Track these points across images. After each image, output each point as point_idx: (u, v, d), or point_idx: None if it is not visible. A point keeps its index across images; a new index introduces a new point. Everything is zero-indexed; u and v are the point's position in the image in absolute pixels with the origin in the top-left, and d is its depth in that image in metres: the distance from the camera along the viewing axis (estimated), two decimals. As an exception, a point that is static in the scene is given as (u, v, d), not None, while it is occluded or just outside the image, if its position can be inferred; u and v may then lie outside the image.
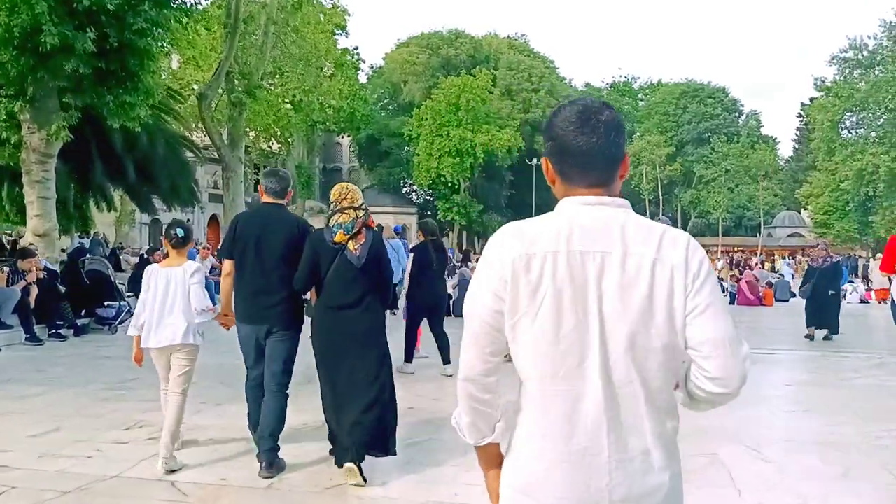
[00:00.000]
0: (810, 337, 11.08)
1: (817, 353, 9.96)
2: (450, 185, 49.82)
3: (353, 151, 61.55)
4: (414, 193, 61.96)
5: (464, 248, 51.89)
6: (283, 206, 4.65)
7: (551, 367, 1.43)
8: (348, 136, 55.46)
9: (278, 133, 47.77)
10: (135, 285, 10.65)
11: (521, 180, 54.34)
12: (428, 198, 57.53)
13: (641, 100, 69.28)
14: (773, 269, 33.75)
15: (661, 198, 57.85)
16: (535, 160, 50.87)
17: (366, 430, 4.16)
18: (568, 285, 1.42)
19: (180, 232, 4.56)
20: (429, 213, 55.68)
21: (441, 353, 7.66)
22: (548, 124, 1.55)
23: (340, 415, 4.23)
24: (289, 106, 47.60)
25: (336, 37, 49.81)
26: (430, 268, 7.60)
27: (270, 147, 50.13)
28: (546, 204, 56.33)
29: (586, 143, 1.47)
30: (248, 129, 48.61)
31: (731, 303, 17.45)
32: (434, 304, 7.82)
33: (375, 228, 4.47)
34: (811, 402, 6.93)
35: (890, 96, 36.10)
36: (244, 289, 4.50)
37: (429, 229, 8.07)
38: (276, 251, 4.43)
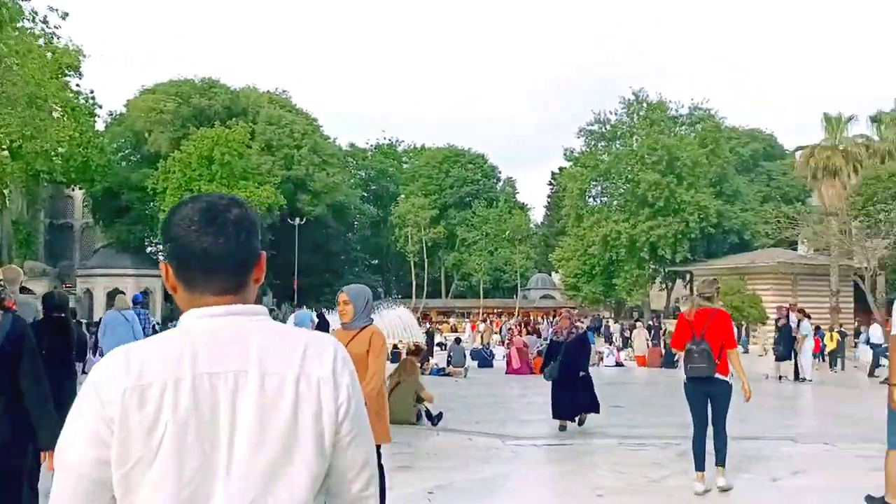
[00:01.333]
0: (563, 428, 9.07)
1: (611, 441, 8.48)
2: (201, 245, 45.21)
3: (86, 206, 54.16)
4: (161, 254, 55.80)
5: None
6: None
7: None
8: (81, 188, 48.62)
9: (-10, 183, 40.35)
10: None
11: (283, 240, 51.21)
12: (178, 259, 52.06)
13: (406, 163, 70.11)
14: (536, 333, 34.44)
15: (425, 260, 57.96)
16: (297, 219, 48.19)
17: None
18: (193, 418, 1.18)
19: None
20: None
21: None
22: (165, 223, 1.32)
23: None
24: (5, 153, 40.76)
25: (68, 78, 44.14)
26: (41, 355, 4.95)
27: (-21, 199, 42.17)
28: (311, 266, 53.91)
29: (212, 244, 1.27)
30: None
31: (507, 372, 16.13)
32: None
33: (14, 309, 3.83)
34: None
35: (629, 168, 39.24)
36: None
37: (52, 303, 5.95)
38: None
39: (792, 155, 48.26)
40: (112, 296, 46.31)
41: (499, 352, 23.69)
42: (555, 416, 9.16)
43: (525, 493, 6.35)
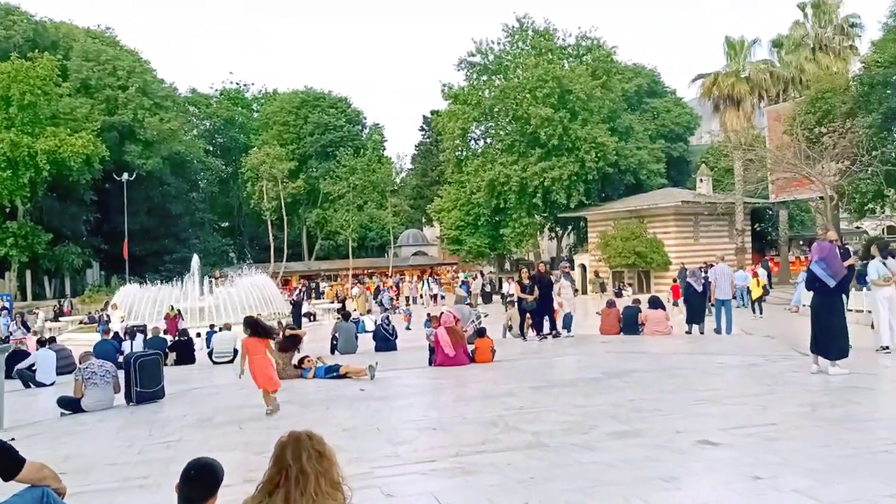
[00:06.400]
0: None
1: None
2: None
3: None
4: None
5: (28, 296, 38.68)
6: None
7: None
8: None
9: None
10: None
11: (108, 200, 42.78)
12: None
13: (256, 110, 62.17)
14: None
15: (284, 219, 51.21)
16: (125, 175, 39.94)
17: None
18: None
19: None
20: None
21: None
22: None
23: None
24: None
25: None
26: None
27: None
28: (147, 231, 45.46)
29: None
30: None
31: (435, 362, 10.87)
32: None
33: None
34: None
35: (517, 103, 34.72)
36: None
37: None
38: None
39: (672, 92, 46.20)
40: None
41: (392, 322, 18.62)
42: None
43: None
